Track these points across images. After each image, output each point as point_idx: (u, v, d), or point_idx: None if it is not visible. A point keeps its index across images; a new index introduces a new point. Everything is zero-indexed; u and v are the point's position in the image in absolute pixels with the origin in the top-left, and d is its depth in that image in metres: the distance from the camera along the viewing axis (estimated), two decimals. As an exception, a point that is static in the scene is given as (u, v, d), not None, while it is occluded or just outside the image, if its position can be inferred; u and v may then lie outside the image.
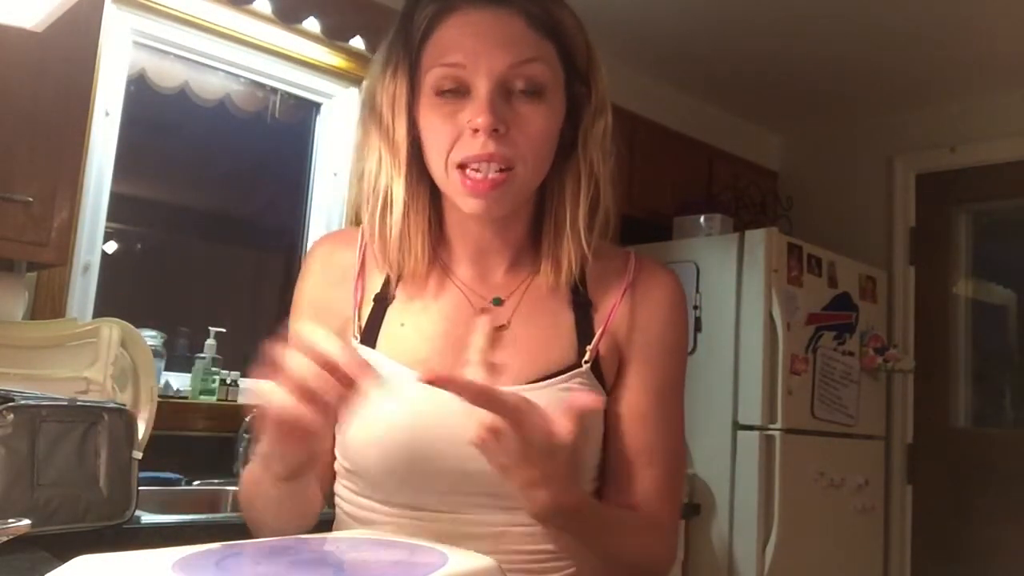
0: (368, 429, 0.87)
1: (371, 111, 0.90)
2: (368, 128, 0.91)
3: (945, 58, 3.14)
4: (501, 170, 0.83)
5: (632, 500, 0.89)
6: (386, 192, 0.89)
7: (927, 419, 3.46)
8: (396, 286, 0.93)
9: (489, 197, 0.83)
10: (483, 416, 0.70)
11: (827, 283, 3.09)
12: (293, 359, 0.68)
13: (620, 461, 0.91)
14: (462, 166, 0.83)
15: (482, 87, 0.82)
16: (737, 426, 2.86)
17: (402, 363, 0.88)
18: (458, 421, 0.84)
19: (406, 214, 0.89)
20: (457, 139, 0.83)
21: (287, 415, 0.68)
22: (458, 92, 0.84)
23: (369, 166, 0.90)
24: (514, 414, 0.70)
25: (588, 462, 0.90)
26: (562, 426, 0.72)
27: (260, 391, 0.70)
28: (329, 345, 0.67)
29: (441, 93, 0.84)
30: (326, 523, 0.95)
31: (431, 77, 0.85)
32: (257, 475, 0.83)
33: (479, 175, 0.83)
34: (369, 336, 0.91)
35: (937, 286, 3.52)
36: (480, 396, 0.69)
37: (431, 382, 0.68)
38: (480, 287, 0.92)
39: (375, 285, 0.94)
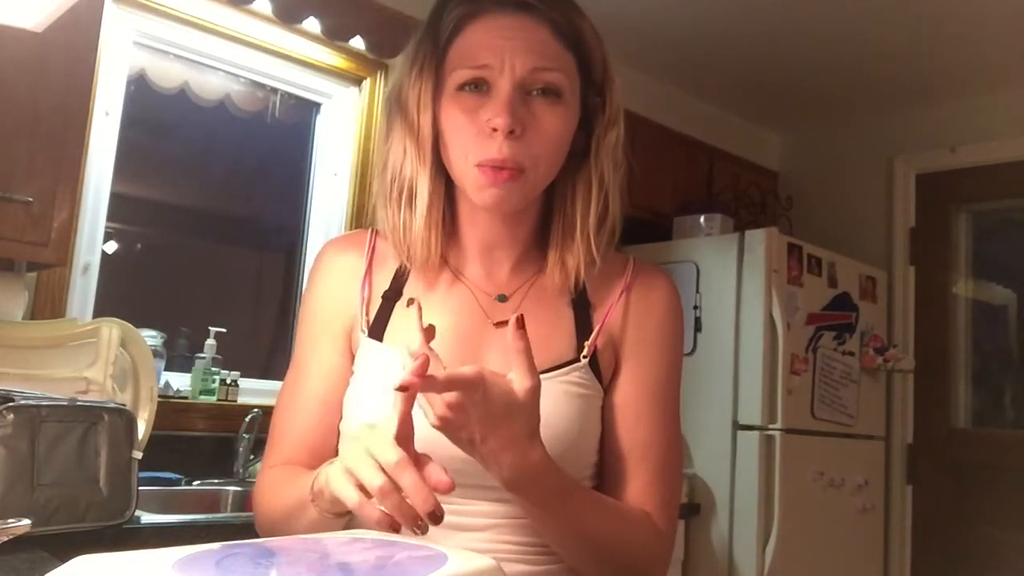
0: (374, 418, 0.87)
1: (398, 106, 0.93)
2: (394, 123, 0.94)
3: (945, 58, 3.14)
4: (513, 170, 0.86)
5: (625, 495, 0.90)
6: (411, 184, 0.92)
7: (927, 419, 3.46)
8: (405, 284, 0.95)
9: (503, 189, 0.86)
10: (440, 397, 0.72)
11: (827, 283, 3.09)
12: (370, 473, 0.70)
13: (614, 457, 0.92)
14: (479, 165, 0.86)
15: (503, 87, 0.86)
16: (737, 426, 2.86)
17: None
18: None
19: (431, 205, 0.92)
20: (477, 137, 0.86)
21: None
22: (479, 89, 0.87)
23: (394, 159, 0.93)
24: (475, 386, 0.71)
25: (585, 459, 0.91)
26: (519, 381, 0.75)
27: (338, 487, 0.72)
28: (402, 476, 0.69)
29: (464, 93, 0.88)
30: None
31: (456, 77, 0.88)
32: (299, 496, 0.82)
33: (493, 173, 0.86)
34: (376, 331, 0.93)
35: (937, 286, 3.52)
36: (444, 384, 0.71)
37: (403, 389, 0.69)
38: (486, 284, 0.95)
39: (383, 283, 0.96)
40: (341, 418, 0.94)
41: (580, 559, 0.86)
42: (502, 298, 0.94)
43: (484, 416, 0.72)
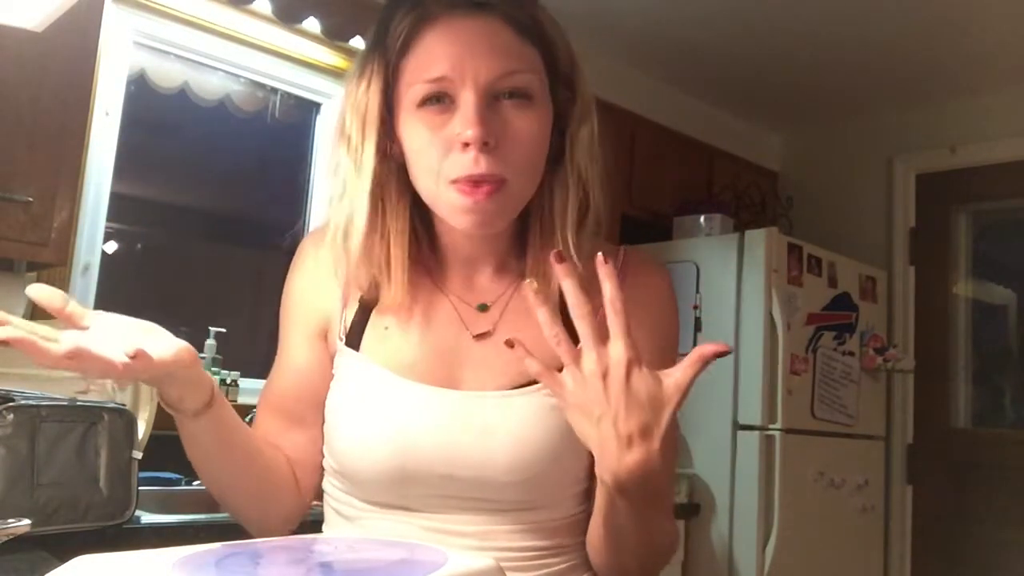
0: (355, 433, 0.87)
1: (340, 131, 0.88)
2: (337, 149, 0.88)
3: (945, 58, 3.14)
4: (493, 182, 0.80)
5: None
6: (348, 218, 0.86)
7: (927, 419, 3.46)
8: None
9: (484, 212, 0.81)
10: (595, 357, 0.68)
11: (827, 283, 3.09)
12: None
13: None
14: (455, 182, 0.80)
15: (469, 98, 0.79)
16: (737, 426, 2.86)
17: (386, 367, 0.88)
18: (444, 425, 0.84)
19: (379, 239, 0.86)
20: (446, 153, 0.80)
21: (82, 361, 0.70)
22: (443, 103, 0.81)
23: (335, 190, 0.88)
24: (623, 362, 0.68)
25: (577, 469, 0.88)
26: (678, 377, 0.69)
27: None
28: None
29: (425, 108, 0.81)
30: (318, 522, 0.96)
31: (413, 91, 0.82)
32: (194, 449, 0.88)
33: (472, 187, 0.80)
34: (353, 339, 0.91)
35: (937, 286, 3.52)
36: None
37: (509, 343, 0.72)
38: (466, 292, 0.91)
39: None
40: (317, 412, 0.93)
41: (631, 556, 0.84)
42: (483, 307, 0.91)
43: (622, 399, 0.68)
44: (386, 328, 0.90)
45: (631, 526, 0.78)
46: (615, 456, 0.69)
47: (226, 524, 1.84)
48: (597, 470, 0.72)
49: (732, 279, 2.92)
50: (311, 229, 2.71)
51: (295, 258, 0.99)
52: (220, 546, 0.65)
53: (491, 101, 0.81)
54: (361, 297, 0.91)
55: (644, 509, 0.75)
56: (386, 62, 0.84)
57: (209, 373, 0.87)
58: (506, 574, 0.67)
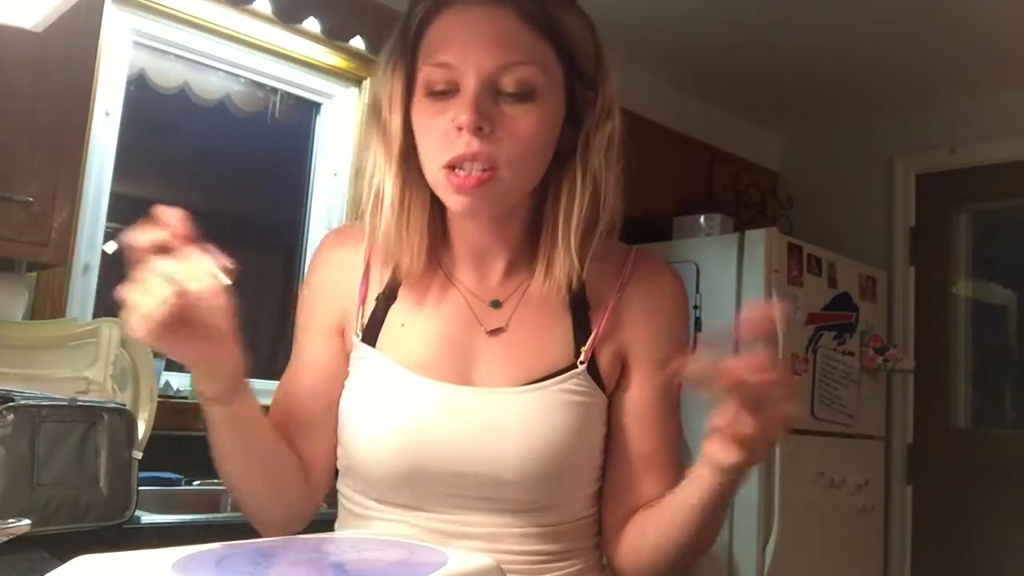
0: (366, 430, 0.87)
1: (373, 109, 0.91)
2: (370, 126, 0.92)
3: (945, 58, 3.14)
4: (485, 169, 0.81)
5: (644, 497, 0.91)
6: (378, 188, 0.89)
7: (927, 419, 3.46)
8: (400, 285, 0.93)
9: (474, 195, 0.82)
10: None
11: (827, 283, 3.09)
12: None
13: (627, 462, 0.92)
14: (450, 166, 0.82)
15: (469, 85, 0.81)
16: (737, 426, 2.85)
17: (401, 364, 0.88)
18: (456, 421, 0.85)
19: (402, 210, 0.89)
20: (445, 138, 0.82)
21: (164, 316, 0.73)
22: (448, 91, 0.83)
23: (367, 163, 0.91)
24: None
25: (588, 467, 0.90)
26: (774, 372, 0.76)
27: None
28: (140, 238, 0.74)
29: (431, 93, 0.84)
30: (327, 523, 0.96)
31: (423, 76, 0.84)
32: (210, 430, 0.85)
33: (464, 172, 0.82)
34: (370, 335, 0.91)
35: (937, 286, 3.52)
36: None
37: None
38: (479, 289, 0.92)
39: (379, 284, 0.94)
40: (330, 413, 0.93)
41: (697, 547, 0.89)
42: (495, 304, 0.91)
43: (768, 426, 0.75)
44: (402, 325, 0.91)
45: (718, 516, 0.86)
46: (742, 456, 0.77)
47: (226, 524, 1.84)
48: (704, 461, 0.82)
49: (732, 279, 2.92)
50: (310, 230, 2.72)
51: (316, 254, 1.00)
52: (220, 546, 0.65)
53: (492, 93, 0.82)
54: (379, 294, 0.92)
55: (726, 499, 0.84)
56: (405, 47, 0.87)
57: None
58: (506, 574, 0.67)
